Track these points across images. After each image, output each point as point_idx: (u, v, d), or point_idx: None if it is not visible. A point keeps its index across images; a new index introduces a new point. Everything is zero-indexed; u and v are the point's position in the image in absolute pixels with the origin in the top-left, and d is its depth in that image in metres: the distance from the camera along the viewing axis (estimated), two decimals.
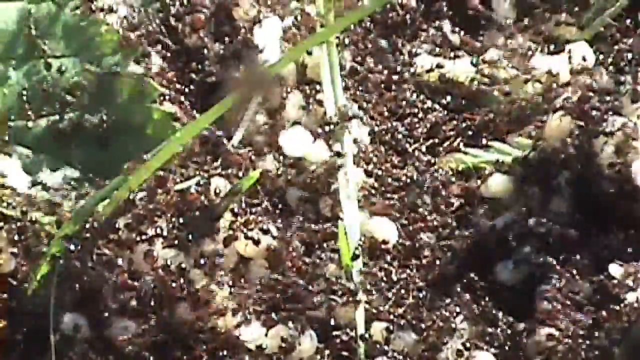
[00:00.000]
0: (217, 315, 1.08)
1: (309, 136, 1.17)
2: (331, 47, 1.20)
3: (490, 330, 1.10)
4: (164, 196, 1.10)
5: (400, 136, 1.23)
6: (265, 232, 1.10)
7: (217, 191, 1.10)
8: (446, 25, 1.34)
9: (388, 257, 1.13)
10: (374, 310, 1.09)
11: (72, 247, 1.08)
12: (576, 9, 1.33)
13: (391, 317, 1.10)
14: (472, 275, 1.14)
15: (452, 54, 1.28)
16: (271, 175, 1.17)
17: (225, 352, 1.07)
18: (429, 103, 1.27)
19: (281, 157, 1.18)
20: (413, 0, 1.34)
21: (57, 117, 1.16)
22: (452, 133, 1.24)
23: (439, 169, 1.21)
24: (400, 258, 1.14)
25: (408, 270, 1.14)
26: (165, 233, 1.09)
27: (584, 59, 1.25)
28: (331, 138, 1.17)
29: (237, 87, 1.17)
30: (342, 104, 1.18)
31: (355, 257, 1.10)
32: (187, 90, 1.23)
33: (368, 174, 1.18)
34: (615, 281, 1.09)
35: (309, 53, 1.20)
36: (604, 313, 1.07)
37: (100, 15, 1.18)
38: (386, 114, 1.25)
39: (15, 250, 1.10)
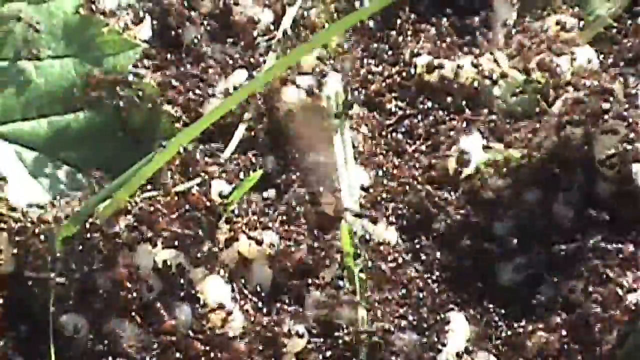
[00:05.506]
0: (217, 315, 1.08)
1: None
2: (332, 48, 1.20)
3: (490, 330, 1.10)
4: (165, 197, 1.10)
5: (400, 136, 1.23)
6: (267, 232, 1.11)
7: (218, 192, 1.10)
8: (447, 25, 1.34)
9: (389, 258, 1.13)
10: (375, 311, 1.09)
11: (72, 247, 1.08)
12: (576, 9, 1.33)
13: (392, 317, 1.10)
14: (472, 275, 1.15)
15: (452, 54, 1.28)
16: (272, 175, 1.17)
17: (225, 352, 1.07)
18: (429, 103, 1.27)
19: (282, 157, 1.18)
20: (413, 1, 1.34)
21: (57, 117, 1.15)
22: (452, 133, 1.24)
23: (439, 169, 1.21)
24: (401, 258, 1.14)
25: (408, 271, 1.14)
26: (165, 233, 1.09)
27: (585, 60, 1.25)
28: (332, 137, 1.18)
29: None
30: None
31: (356, 257, 1.10)
32: (187, 91, 1.23)
33: (368, 173, 1.18)
34: (616, 282, 1.09)
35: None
36: (604, 314, 1.07)
37: (101, 16, 1.18)
38: (387, 114, 1.25)
39: (15, 250, 1.09)
